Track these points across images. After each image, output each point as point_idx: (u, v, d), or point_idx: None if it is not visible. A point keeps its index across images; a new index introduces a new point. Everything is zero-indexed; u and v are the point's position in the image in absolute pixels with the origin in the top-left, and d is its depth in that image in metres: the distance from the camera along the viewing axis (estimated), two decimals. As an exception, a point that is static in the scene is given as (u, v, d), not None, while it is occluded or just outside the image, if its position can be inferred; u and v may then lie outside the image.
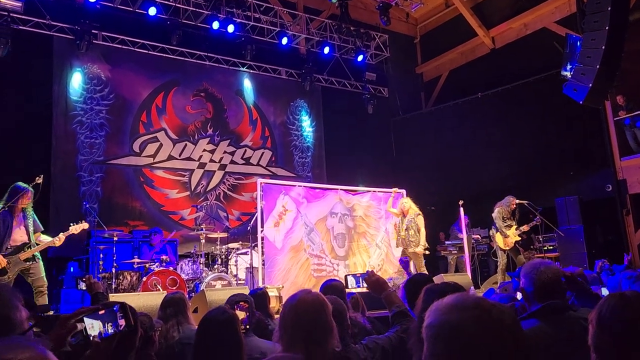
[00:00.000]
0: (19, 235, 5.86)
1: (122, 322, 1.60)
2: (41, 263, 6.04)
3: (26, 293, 5.77)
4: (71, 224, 6.20)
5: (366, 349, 2.28)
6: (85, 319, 1.60)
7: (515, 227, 8.57)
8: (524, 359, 1.05)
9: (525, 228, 8.54)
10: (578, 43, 8.28)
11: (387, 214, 9.40)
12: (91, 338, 1.66)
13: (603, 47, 7.62)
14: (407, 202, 8.41)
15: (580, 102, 8.12)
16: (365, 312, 4.06)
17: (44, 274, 6.02)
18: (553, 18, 11.16)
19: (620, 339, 1.47)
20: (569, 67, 8.51)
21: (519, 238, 8.60)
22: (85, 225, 6.32)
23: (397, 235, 8.44)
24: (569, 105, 8.75)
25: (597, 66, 7.69)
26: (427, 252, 8.39)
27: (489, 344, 1.02)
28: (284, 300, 7.03)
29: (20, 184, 5.95)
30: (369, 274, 2.76)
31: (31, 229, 5.95)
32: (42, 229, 6.19)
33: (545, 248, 9.48)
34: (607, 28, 7.57)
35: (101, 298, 3.80)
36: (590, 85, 7.80)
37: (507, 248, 8.53)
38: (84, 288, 3.93)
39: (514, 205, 8.67)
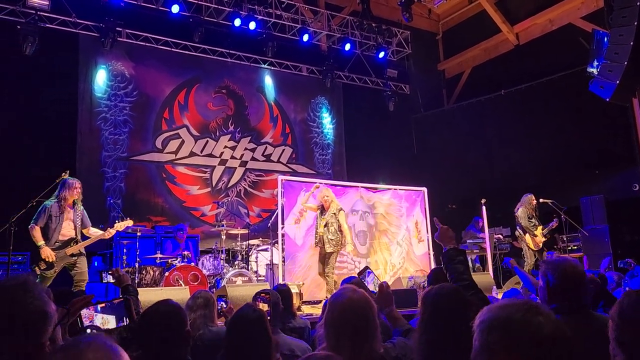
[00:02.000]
0: (67, 230, 5.92)
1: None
2: (85, 258, 6.11)
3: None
4: (116, 221, 6.29)
5: (398, 347, 2.28)
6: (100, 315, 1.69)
7: (540, 227, 8.50)
8: (567, 352, 1.17)
9: (547, 230, 8.52)
10: (605, 39, 8.13)
11: (408, 212, 9.35)
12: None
13: (631, 43, 7.47)
14: (329, 195, 7.42)
15: (607, 100, 7.98)
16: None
17: (86, 269, 6.08)
18: (579, 13, 10.95)
19: None
20: (595, 63, 8.36)
21: (545, 238, 8.52)
22: (129, 222, 6.32)
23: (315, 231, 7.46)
24: (594, 103, 8.59)
25: (625, 62, 7.55)
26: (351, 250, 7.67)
27: (537, 336, 1.15)
28: (304, 297, 7.13)
29: (69, 178, 6.03)
30: (383, 285, 2.73)
31: (79, 224, 6.01)
32: (91, 224, 6.24)
33: (570, 248, 9.33)
34: (636, 23, 7.42)
35: (132, 290, 3.75)
36: (618, 82, 7.67)
37: (537, 249, 8.44)
38: (112, 281, 3.97)
39: (534, 202, 8.58)
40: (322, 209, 7.37)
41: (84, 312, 2.10)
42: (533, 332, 1.15)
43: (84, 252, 6.09)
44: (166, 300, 2.40)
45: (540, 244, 8.47)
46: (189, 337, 2.32)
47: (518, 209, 8.63)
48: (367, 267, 3.05)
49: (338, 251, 7.27)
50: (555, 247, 9.78)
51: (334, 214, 7.24)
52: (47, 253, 5.71)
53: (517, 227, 8.67)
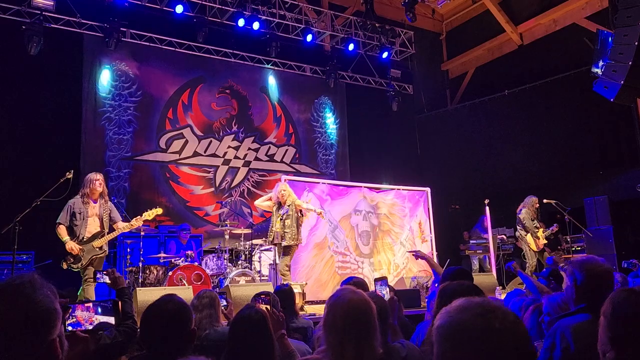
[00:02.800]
0: (93, 227, 5.96)
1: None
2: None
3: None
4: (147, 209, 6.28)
5: (407, 348, 2.30)
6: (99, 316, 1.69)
7: (542, 229, 8.53)
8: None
9: (548, 232, 8.58)
10: (609, 39, 8.08)
11: (412, 212, 9.35)
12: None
13: (636, 43, 7.42)
14: (287, 189, 7.16)
15: (611, 100, 7.92)
16: (402, 310, 4.03)
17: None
18: (583, 13, 10.91)
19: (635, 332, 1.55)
20: (600, 64, 8.31)
21: (545, 241, 8.59)
22: (159, 211, 6.36)
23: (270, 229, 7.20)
24: (598, 103, 8.59)
25: (630, 63, 7.48)
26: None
27: (491, 344, 1.05)
28: (307, 297, 7.13)
29: (91, 174, 6.11)
30: (393, 299, 2.71)
31: (106, 218, 6.04)
32: (122, 219, 6.26)
33: (573, 249, 9.30)
34: (640, 23, 7.39)
35: (127, 294, 3.66)
36: (622, 82, 7.61)
37: (537, 250, 8.47)
38: (108, 282, 3.93)
39: (537, 204, 8.60)
40: (279, 205, 7.11)
41: (85, 314, 2.07)
42: (486, 341, 1.05)
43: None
44: (171, 296, 2.32)
45: (542, 246, 8.51)
46: (194, 335, 2.27)
47: (521, 210, 8.63)
48: (385, 278, 3.02)
49: (297, 245, 7.05)
50: (559, 247, 9.76)
51: (289, 206, 6.99)
52: (72, 245, 5.77)
53: (519, 228, 8.66)
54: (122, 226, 6.10)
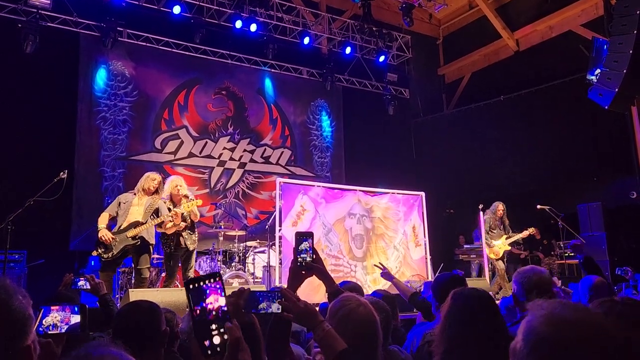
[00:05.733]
0: (133, 216, 5.83)
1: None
2: (145, 249, 5.86)
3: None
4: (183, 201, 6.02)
5: (404, 353, 2.32)
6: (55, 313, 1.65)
7: (505, 236, 8.40)
8: None
9: (517, 237, 8.41)
10: (605, 47, 8.15)
11: (406, 216, 9.32)
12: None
13: (630, 52, 7.52)
14: (182, 185, 6.35)
15: (606, 108, 7.99)
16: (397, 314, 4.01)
17: (145, 262, 5.87)
18: (579, 21, 10.95)
19: None
20: (595, 71, 8.36)
21: (509, 247, 8.45)
22: (198, 202, 6.09)
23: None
24: (593, 111, 8.61)
25: (624, 71, 7.59)
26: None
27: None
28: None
29: (150, 173, 6.13)
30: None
31: (150, 210, 5.86)
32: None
33: (566, 254, 9.31)
34: (635, 32, 7.44)
35: (110, 303, 3.61)
36: (617, 90, 7.70)
37: (496, 257, 8.37)
38: (87, 289, 3.77)
39: (501, 212, 8.47)
40: (174, 204, 6.20)
41: (61, 314, 1.99)
42: None
43: (148, 242, 5.85)
44: (141, 300, 2.37)
45: (499, 254, 8.34)
46: (165, 336, 2.26)
47: (484, 217, 8.56)
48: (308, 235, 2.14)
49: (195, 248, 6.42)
50: (552, 253, 9.78)
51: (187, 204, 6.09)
52: (102, 233, 5.67)
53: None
54: (158, 220, 5.86)
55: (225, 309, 1.27)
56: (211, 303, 1.26)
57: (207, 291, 1.26)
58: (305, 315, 1.74)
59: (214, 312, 1.25)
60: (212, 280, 1.28)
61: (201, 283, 1.27)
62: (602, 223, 9.26)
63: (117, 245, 5.71)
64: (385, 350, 2.20)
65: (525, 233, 8.46)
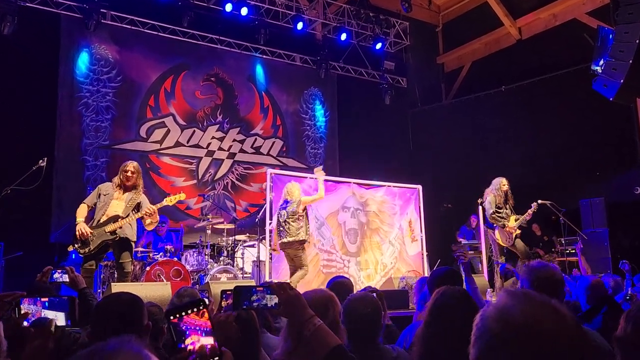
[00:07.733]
0: (113, 210, 5.53)
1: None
2: (126, 245, 5.59)
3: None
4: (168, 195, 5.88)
5: (396, 351, 2.36)
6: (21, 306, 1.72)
7: (514, 217, 7.50)
8: None
9: (522, 218, 7.47)
10: (610, 36, 7.97)
11: (402, 210, 9.09)
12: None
13: (637, 41, 7.28)
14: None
15: (611, 99, 7.80)
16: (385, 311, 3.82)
17: (127, 257, 5.57)
18: (584, 9, 10.69)
19: None
20: (600, 61, 8.16)
21: (519, 231, 7.53)
22: (182, 196, 5.94)
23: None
24: (598, 102, 8.40)
25: (630, 61, 7.34)
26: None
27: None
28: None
29: (127, 162, 5.84)
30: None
31: (131, 205, 5.58)
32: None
33: (568, 251, 9.11)
34: (642, 21, 7.19)
35: (89, 297, 3.48)
36: (622, 81, 7.47)
37: (508, 244, 7.50)
38: (66, 281, 3.59)
39: (506, 187, 7.59)
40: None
41: (32, 308, 1.93)
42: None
43: (127, 238, 5.55)
44: (123, 292, 2.30)
45: (513, 238, 7.44)
46: (148, 331, 2.15)
47: (486, 198, 7.69)
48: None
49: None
50: (553, 250, 9.52)
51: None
52: (80, 227, 5.38)
53: (486, 224, 7.88)
54: (138, 215, 5.61)
55: (210, 346, 1.20)
56: (192, 343, 1.19)
57: (187, 332, 1.20)
58: (296, 305, 1.68)
59: (194, 356, 1.18)
60: (195, 311, 1.21)
61: (183, 314, 1.21)
62: (604, 219, 9.18)
63: (95, 240, 5.43)
64: (377, 349, 2.30)
65: (529, 212, 7.50)
